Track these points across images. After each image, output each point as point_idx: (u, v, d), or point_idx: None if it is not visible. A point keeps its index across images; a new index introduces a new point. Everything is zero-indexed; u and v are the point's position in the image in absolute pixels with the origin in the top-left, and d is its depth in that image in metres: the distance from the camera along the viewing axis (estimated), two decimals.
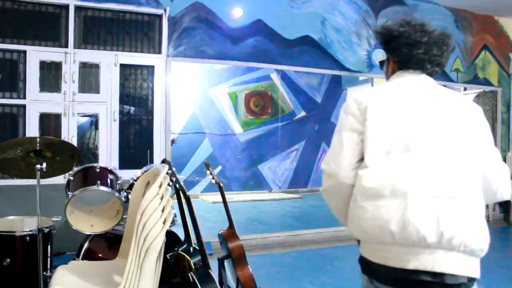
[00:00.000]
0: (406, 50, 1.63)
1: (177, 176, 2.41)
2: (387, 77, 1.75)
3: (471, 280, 1.41)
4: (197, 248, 2.43)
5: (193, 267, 2.39)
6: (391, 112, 1.51)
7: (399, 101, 1.54)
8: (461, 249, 1.38)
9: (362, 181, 1.46)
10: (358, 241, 1.61)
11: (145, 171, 2.99)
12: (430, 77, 1.66)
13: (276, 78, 9.38)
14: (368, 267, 1.50)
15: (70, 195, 2.71)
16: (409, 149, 1.45)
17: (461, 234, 1.37)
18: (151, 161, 4.37)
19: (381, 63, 1.81)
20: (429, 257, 1.37)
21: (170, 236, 2.89)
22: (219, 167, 8.74)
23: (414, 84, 1.62)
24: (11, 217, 3.08)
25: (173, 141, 6.67)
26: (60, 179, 3.40)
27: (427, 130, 1.48)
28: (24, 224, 3.00)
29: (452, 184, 1.41)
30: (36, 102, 4.08)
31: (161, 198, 1.99)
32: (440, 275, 1.37)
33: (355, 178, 1.50)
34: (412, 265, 1.38)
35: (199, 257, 2.43)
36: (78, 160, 2.86)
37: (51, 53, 4.13)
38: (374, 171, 1.45)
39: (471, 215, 1.41)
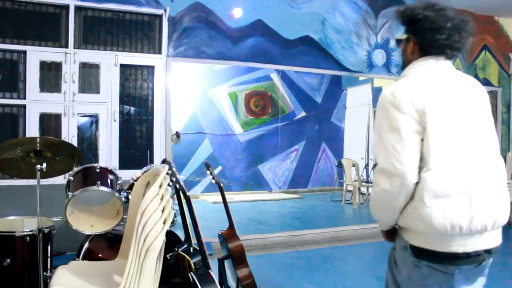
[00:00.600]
0: (430, 35, 1.67)
1: (177, 176, 2.41)
2: (405, 57, 1.80)
3: None
4: (197, 248, 2.43)
5: (193, 267, 2.39)
6: (445, 114, 1.59)
7: (447, 100, 1.62)
8: (500, 227, 1.68)
9: (429, 183, 1.54)
10: (392, 233, 1.80)
11: (145, 171, 2.99)
12: (449, 60, 1.72)
13: (276, 78, 9.38)
14: (423, 253, 1.62)
15: (70, 195, 2.70)
16: (464, 149, 1.58)
17: (503, 217, 1.65)
18: (151, 161, 4.37)
19: (399, 41, 1.82)
20: (485, 239, 1.64)
21: (170, 236, 2.89)
22: (219, 167, 8.74)
23: (446, 73, 1.70)
24: (11, 217, 3.08)
25: (178, 134, 6.66)
26: (60, 179, 3.40)
27: (472, 127, 1.62)
28: (24, 224, 3.00)
29: (496, 176, 1.63)
30: (36, 102, 4.08)
31: (161, 198, 1.99)
32: (490, 249, 1.67)
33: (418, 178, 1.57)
34: (473, 248, 1.61)
35: (199, 257, 2.42)
36: (78, 160, 2.86)
37: (51, 53, 4.13)
38: (440, 173, 1.54)
39: (506, 201, 1.65)
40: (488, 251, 1.67)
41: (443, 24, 1.65)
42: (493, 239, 1.68)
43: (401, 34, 1.85)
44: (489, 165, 1.62)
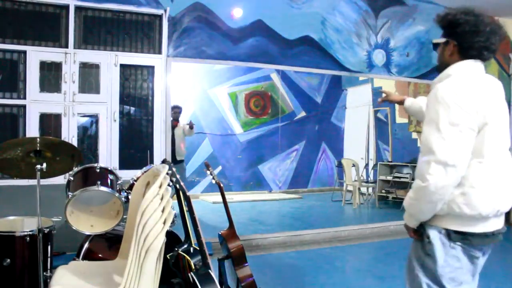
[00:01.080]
0: (470, 37, 1.85)
1: (177, 176, 2.41)
2: (443, 59, 1.96)
3: None
4: (197, 248, 2.43)
5: (193, 267, 2.39)
6: (495, 116, 1.83)
7: (494, 102, 1.86)
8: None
9: (481, 174, 1.80)
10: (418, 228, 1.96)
11: (145, 172, 2.99)
12: (484, 62, 1.92)
13: (276, 79, 9.39)
14: (461, 235, 1.84)
15: (70, 195, 2.70)
16: (501, 146, 1.86)
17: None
18: (151, 162, 4.36)
19: (436, 45, 2.00)
20: (500, 220, 1.92)
21: (170, 236, 2.89)
22: (219, 167, 8.74)
23: (483, 76, 1.91)
24: (11, 217, 3.08)
25: (191, 125, 6.64)
26: (60, 179, 3.40)
27: (502, 127, 1.87)
28: (24, 224, 3.00)
29: (510, 169, 1.89)
30: (36, 102, 4.08)
31: (161, 199, 1.99)
32: (501, 228, 1.93)
33: None
34: (495, 227, 1.89)
35: (199, 258, 2.42)
36: (78, 160, 2.86)
37: (51, 53, 4.13)
38: (489, 166, 1.81)
39: None
40: (500, 231, 1.93)
41: (483, 28, 1.84)
42: (503, 221, 1.96)
43: (437, 38, 2.01)
44: (509, 159, 1.89)
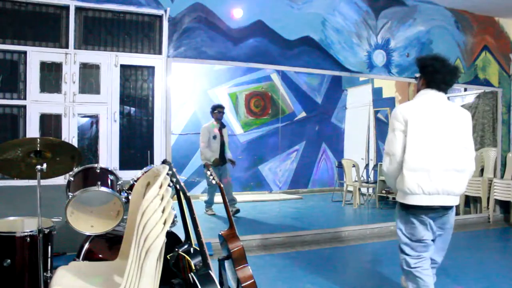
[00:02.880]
0: (431, 75, 2.86)
1: (178, 176, 2.41)
2: (418, 88, 2.97)
3: (453, 206, 2.91)
4: (198, 248, 2.43)
5: (194, 267, 2.39)
6: (421, 123, 2.75)
7: (427, 112, 2.79)
8: (449, 194, 2.80)
9: (407, 162, 2.74)
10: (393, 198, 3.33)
11: (145, 172, 2.99)
12: (443, 92, 2.89)
13: (276, 79, 9.38)
14: (405, 206, 2.86)
15: (70, 196, 2.71)
16: (431, 146, 2.73)
17: (450, 188, 2.77)
18: (152, 162, 4.36)
19: (416, 78, 3.03)
20: (441, 199, 2.79)
21: (171, 236, 2.89)
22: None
23: (434, 99, 2.85)
24: (12, 218, 3.09)
25: (233, 162, 6.79)
26: (61, 180, 3.40)
27: (441, 131, 2.76)
28: (25, 225, 3.00)
29: (454, 166, 2.77)
30: (36, 103, 4.08)
31: (162, 199, 1.99)
32: (444, 206, 2.83)
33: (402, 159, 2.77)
34: (432, 203, 2.78)
35: (199, 258, 2.43)
36: (78, 160, 2.86)
37: (51, 54, 4.13)
38: (412, 156, 2.73)
39: (458, 178, 2.79)
40: (443, 207, 2.83)
41: (443, 70, 2.86)
42: (447, 201, 2.81)
43: (416, 73, 3.04)
44: (451, 159, 2.75)
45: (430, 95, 2.84)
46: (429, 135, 2.73)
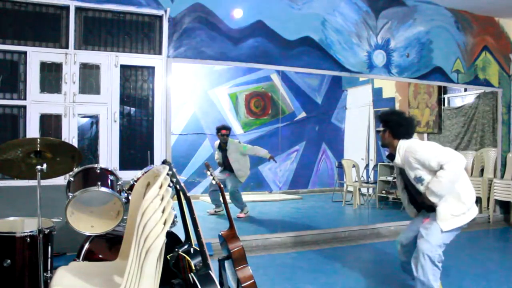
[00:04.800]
0: (396, 128, 3.35)
1: (178, 177, 2.41)
2: (384, 139, 3.43)
3: None
4: (198, 249, 2.43)
5: (194, 268, 2.39)
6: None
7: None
8: None
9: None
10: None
11: (145, 172, 2.99)
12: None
13: (276, 79, 9.38)
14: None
15: (70, 196, 2.71)
16: None
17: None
18: (152, 162, 4.36)
19: (378, 131, 3.48)
20: None
21: (171, 237, 2.89)
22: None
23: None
24: (12, 218, 3.08)
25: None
26: (61, 180, 3.40)
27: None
28: (25, 225, 3.00)
29: None
30: (36, 103, 4.08)
31: (162, 199, 1.99)
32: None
33: None
34: None
35: (199, 258, 2.42)
36: (78, 161, 2.86)
37: (51, 54, 4.14)
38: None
39: None
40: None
41: (403, 123, 3.33)
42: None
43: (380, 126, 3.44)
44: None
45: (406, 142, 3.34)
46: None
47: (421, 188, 3.24)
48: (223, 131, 6.83)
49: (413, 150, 3.20)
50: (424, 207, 3.38)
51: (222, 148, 6.90)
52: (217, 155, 7.01)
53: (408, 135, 3.33)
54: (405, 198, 3.57)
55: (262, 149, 7.14)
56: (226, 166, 6.87)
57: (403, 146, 3.28)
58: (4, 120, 4.12)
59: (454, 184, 3.14)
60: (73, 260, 2.78)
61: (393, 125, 3.32)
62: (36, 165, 2.55)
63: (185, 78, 8.09)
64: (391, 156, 3.39)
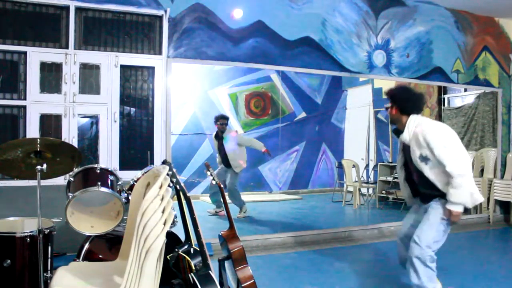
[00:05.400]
0: (403, 103, 3.25)
1: (178, 177, 2.41)
2: (392, 115, 3.34)
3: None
4: (198, 249, 2.43)
5: (194, 268, 2.39)
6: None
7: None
8: None
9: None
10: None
11: (145, 172, 2.99)
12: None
13: (276, 79, 9.38)
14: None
15: (70, 196, 2.71)
16: None
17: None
18: (152, 162, 4.36)
19: (387, 108, 3.35)
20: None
21: (171, 237, 2.89)
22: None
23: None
24: (12, 218, 3.08)
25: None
26: (61, 180, 3.40)
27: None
28: (25, 225, 3.00)
29: None
30: (36, 103, 4.08)
31: (162, 199, 1.99)
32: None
33: None
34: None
35: (199, 258, 2.42)
36: (78, 161, 2.86)
37: (51, 54, 4.13)
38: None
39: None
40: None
41: (411, 98, 3.24)
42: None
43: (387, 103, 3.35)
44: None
45: (414, 118, 3.24)
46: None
47: (425, 168, 3.14)
48: (222, 120, 6.88)
49: (424, 129, 3.09)
50: (420, 191, 3.35)
51: (219, 137, 6.87)
52: (215, 146, 7.06)
53: (416, 110, 3.22)
54: (402, 176, 3.49)
55: (257, 142, 7.20)
56: (221, 156, 6.91)
57: (413, 121, 3.17)
58: (4, 120, 4.11)
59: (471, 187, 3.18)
60: (73, 260, 2.79)
61: (400, 100, 3.22)
62: (36, 165, 2.55)
63: (185, 78, 8.09)
64: (398, 131, 3.31)
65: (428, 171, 3.14)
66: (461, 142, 3.14)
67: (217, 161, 7.08)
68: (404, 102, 3.21)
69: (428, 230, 3.11)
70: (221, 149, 6.88)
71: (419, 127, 3.11)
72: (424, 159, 3.12)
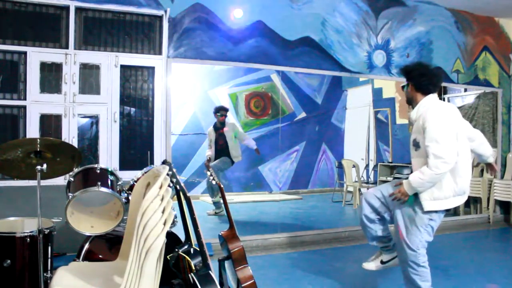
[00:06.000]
0: (419, 79, 3.05)
1: (178, 177, 2.41)
2: (408, 94, 3.16)
3: None
4: (198, 249, 2.43)
5: (194, 268, 2.39)
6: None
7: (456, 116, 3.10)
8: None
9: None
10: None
11: (145, 172, 2.99)
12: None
13: (276, 79, 9.38)
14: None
15: (70, 196, 2.71)
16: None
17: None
18: (152, 162, 4.36)
19: (403, 86, 3.19)
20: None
21: (171, 237, 2.89)
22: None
23: (446, 103, 3.38)
24: (12, 218, 3.08)
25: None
26: (61, 180, 3.40)
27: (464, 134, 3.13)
28: (25, 225, 3.00)
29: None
30: (36, 103, 4.08)
31: (162, 199, 1.99)
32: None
33: None
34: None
35: (199, 258, 2.42)
36: (78, 161, 2.86)
37: (51, 54, 4.13)
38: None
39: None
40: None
41: (427, 73, 3.03)
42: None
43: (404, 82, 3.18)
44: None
45: (431, 98, 3.03)
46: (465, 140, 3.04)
47: (413, 154, 3.03)
48: (222, 111, 6.94)
49: (428, 114, 2.88)
50: None
51: (219, 127, 6.88)
52: (209, 139, 7.03)
53: (433, 86, 3.01)
54: None
55: (251, 140, 7.21)
56: (218, 147, 6.89)
57: (426, 103, 2.98)
58: (4, 120, 4.12)
59: (434, 185, 2.90)
60: (73, 260, 2.79)
61: (416, 76, 3.02)
62: (36, 165, 2.55)
63: (185, 78, 8.08)
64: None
65: (414, 159, 3.04)
66: (454, 130, 2.89)
67: (208, 154, 7.04)
68: (419, 77, 3.00)
69: (417, 233, 3.00)
70: (219, 140, 6.88)
71: (428, 112, 2.91)
72: (416, 144, 3.00)
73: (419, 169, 2.89)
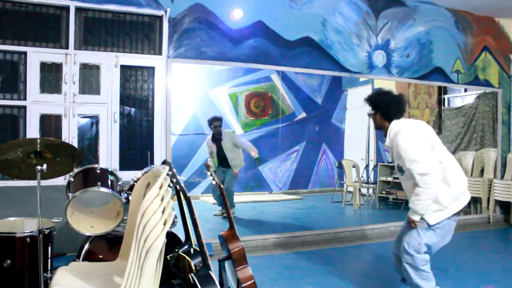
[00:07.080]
0: (387, 108, 3.19)
1: (178, 177, 2.41)
2: (376, 122, 3.28)
3: None
4: (198, 249, 2.43)
5: (194, 268, 2.39)
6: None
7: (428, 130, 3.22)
8: None
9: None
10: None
11: (145, 172, 2.99)
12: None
13: (276, 79, 9.38)
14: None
15: (70, 196, 2.70)
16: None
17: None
18: (152, 162, 4.36)
19: (370, 114, 3.29)
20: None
21: (171, 237, 2.89)
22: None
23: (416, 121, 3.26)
24: (12, 218, 3.08)
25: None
26: (61, 180, 3.40)
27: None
28: (25, 225, 3.00)
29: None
30: (36, 103, 4.08)
31: (162, 199, 1.99)
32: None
33: None
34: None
35: (199, 258, 2.42)
36: (78, 161, 2.86)
37: (51, 54, 4.13)
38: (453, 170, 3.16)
39: None
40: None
41: (392, 102, 3.16)
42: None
43: (370, 110, 3.28)
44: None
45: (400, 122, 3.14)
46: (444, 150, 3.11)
47: (401, 178, 3.13)
48: (216, 123, 6.84)
49: (398, 139, 3.00)
50: None
51: (217, 139, 6.87)
52: (210, 150, 7.02)
53: (400, 113, 3.15)
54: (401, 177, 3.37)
55: (253, 147, 7.15)
56: (220, 158, 6.87)
57: (394, 128, 3.09)
58: (4, 120, 4.11)
59: (434, 199, 2.96)
60: (73, 260, 2.78)
61: (383, 106, 3.15)
62: (36, 166, 2.55)
63: (185, 78, 8.09)
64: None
65: (403, 182, 3.15)
66: (428, 143, 2.99)
67: (209, 163, 7.08)
68: (387, 107, 3.14)
69: (415, 235, 3.04)
70: (221, 152, 6.87)
71: (397, 137, 3.02)
72: (400, 169, 3.10)
73: (412, 196, 2.99)
